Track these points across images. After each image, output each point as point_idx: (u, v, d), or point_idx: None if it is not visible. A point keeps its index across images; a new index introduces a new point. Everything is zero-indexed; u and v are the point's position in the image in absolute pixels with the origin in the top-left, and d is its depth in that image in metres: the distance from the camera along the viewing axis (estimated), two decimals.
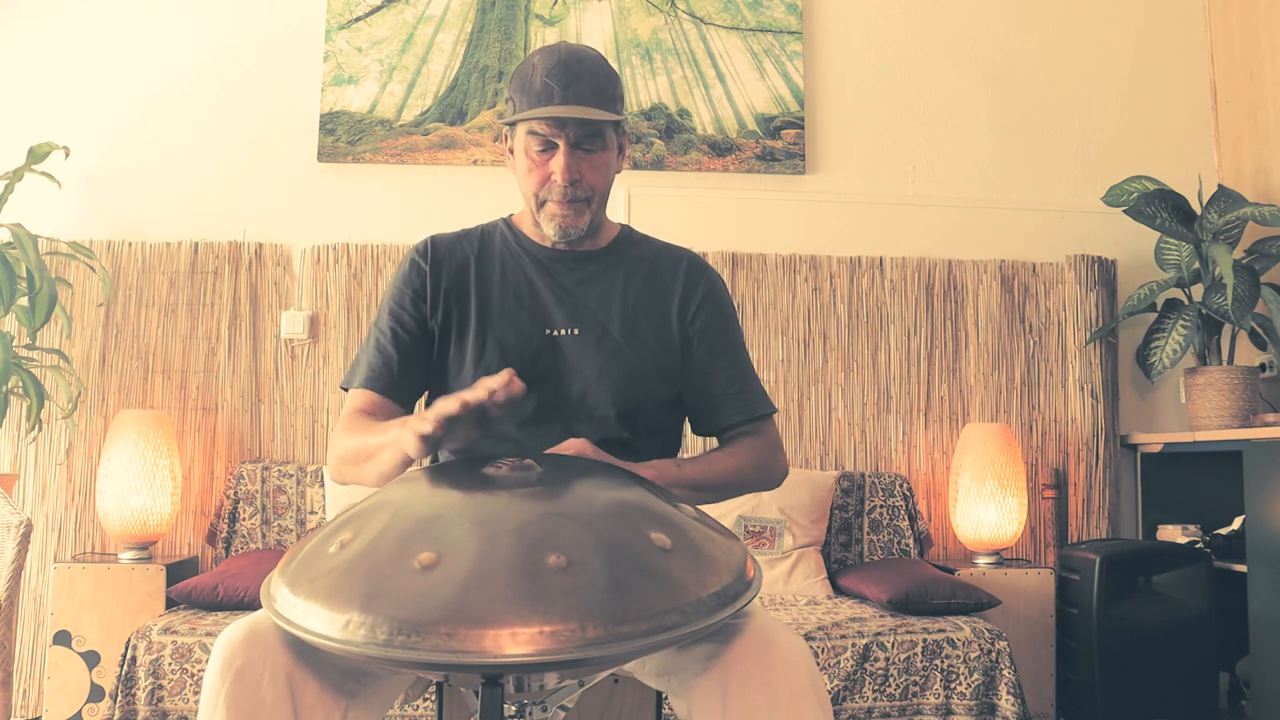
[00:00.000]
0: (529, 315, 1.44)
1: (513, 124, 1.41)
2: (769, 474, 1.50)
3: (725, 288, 1.56)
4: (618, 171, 1.47)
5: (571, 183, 1.39)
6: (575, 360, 1.43)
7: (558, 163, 1.38)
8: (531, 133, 1.38)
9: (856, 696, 2.34)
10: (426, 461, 1.55)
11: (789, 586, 2.80)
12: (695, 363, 1.49)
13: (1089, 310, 3.23)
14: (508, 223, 1.54)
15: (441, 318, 1.46)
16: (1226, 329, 3.09)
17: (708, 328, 1.50)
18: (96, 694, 2.56)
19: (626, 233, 1.55)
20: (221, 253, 3.12)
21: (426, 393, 1.52)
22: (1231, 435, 2.84)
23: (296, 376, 3.10)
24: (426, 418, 1.16)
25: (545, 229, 1.44)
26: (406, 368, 1.44)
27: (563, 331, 1.44)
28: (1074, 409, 3.22)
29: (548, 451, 1.27)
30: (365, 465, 1.31)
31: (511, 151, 1.46)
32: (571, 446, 1.28)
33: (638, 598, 0.92)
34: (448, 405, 1.15)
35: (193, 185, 3.18)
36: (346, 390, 1.47)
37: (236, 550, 2.91)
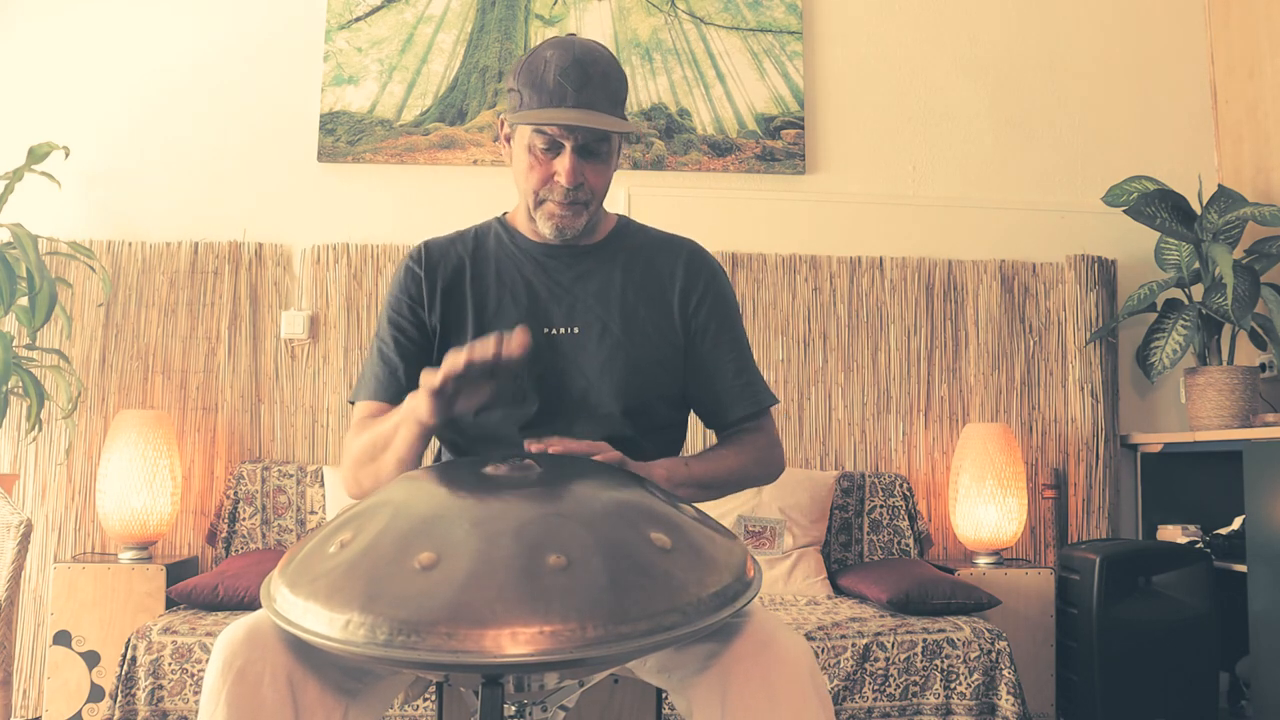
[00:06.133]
0: (526, 315, 1.41)
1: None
2: (769, 469, 1.50)
3: (726, 277, 1.54)
4: (615, 168, 1.44)
5: (575, 186, 1.36)
6: (575, 359, 1.40)
7: (562, 165, 1.34)
8: (538, 131, 1.34)
9: (856, 696, 2.34)
10: (430, 459, 1.55)
11: (789, 586, 2.80)
12: (699, 356, 1.46)
13: (1089, 310, 3.23)
14: (501, 221, 1.51)
15: (439, 321, 1.44)
16: (1226, 329, 3.08)
17: (711, 319, 1.47)
18: (96, 694, 2.56)
19: (624, 224, 1.52)
20: (221, 253, 3.12)
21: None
22: (1231, 435, 2.84)
23: (296, 376, 3.09)
24: (435, 373, 1.18)
25: (541, 227, 1.41)
26: (411, 375, 1.40)
27: (561, 330, 1.41)
28: (1074, 409, 3.22)
29: (558, 446, 1.24)
30: (382, 457, 1.30)
31: (508, 140, 1.42)
32: (586, 448, 1.25)
33: (638, 598, 0.92)
34: (454, 360, 1.17)
35: (193, 185, 3.18)
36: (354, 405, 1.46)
37: (236, 550, 2.90)
